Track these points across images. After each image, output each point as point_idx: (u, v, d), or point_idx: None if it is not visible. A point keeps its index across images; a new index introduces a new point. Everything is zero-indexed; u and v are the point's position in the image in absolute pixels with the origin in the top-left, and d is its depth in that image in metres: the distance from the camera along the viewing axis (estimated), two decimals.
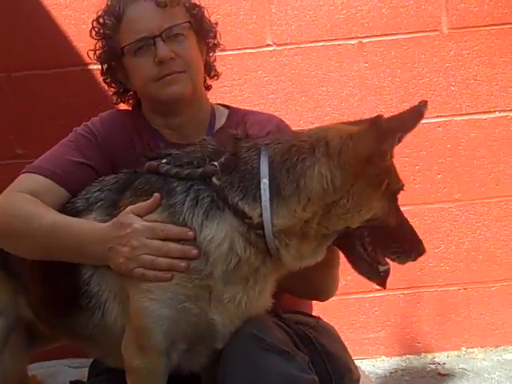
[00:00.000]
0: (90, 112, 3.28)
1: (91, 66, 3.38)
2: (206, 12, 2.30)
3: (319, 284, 2.08)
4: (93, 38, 2.29)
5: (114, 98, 2.39)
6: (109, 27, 2.23)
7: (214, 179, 1.78)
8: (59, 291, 2.04)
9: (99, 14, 2.27)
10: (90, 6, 3.37)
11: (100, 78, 3.31)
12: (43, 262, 2.04)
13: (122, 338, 1.89)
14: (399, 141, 1.74)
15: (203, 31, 2.25)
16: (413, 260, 1.85)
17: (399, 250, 1.82)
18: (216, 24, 2.33)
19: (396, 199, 1.84)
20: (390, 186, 1.78)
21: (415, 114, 1.75)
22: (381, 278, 1.84)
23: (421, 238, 1.88)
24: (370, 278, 1.85)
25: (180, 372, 1.91)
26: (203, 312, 1.78)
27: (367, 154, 1.69)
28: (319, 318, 2.23)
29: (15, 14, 3.42)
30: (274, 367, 1.71)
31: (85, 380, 2.41)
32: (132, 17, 2.18)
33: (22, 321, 2.38)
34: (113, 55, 2.25)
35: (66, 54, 3.43)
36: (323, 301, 2.21)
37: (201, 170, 1.80)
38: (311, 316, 2.22)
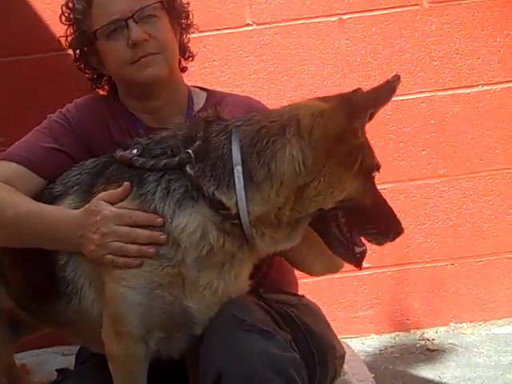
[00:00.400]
0: (70, 98, 3.28)
1: (64, 52, 3.34)
2: None
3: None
4: (63, 23, 2.24)
5: (89, 84, 2.35)
6: (79, 11, 2.18)
7: (188, 168, 1.75)
8: (37, 278, 2.02)
9: None
10: None
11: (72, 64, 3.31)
12: (20, 249, 2.02)
13: (101, 324, 1.88)
14: (371, 117, 1.69)
15: (175, 12, 2.21)
16: (390, 241, 1.80)
17: (376, 231, 1.78)
18: (188, 4, 2.28)
19: (372, 178, 1.79)
20: (364, 164, 1.73)
21: (387, 90, 1.68)
22: (357, 260, 1.80)
23: (399, 218, 1.82)
24: (345, 259, 1.83)
25: (159, 358, 1.91)
26: (177, 300, 1.77)
27: (338, 131, 1.66)
28: (302, 296, 2.21)
29: None
30: (255, 347, 1.70)
31: (71, 368, 2.42)
32: (102, 0, 2.15)
33: (4, 311, 2.37)
34: (85, 40, 2.20)
35: (43, 40, 3.37)
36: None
37: (176, 159, 1.77)
38: (294, 295, 2.19)
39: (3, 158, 2.13)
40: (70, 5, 2.20)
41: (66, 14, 2.22)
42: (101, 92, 2.39)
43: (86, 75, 2.33)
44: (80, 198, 1.93)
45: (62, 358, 3.29)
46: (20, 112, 3.40)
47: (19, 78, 3.42)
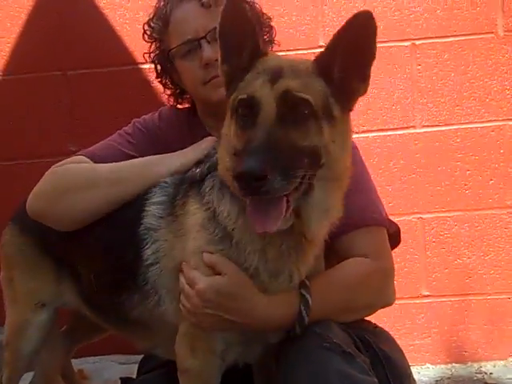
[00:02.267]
0: (141, 110, 3.37)
1: (144, 66, 3.44)
2: (257, 7, 2.28)
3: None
4: (145, 41, 2.33)
5: (172, 99, 2.42)
6: (157, 31, 2.27)
7: None
8: (119, 267, 2.06)
9: (149, 17, 2.30)
10: (144, 6, 3.41)
11: (151, 77, 3.41)
12: (103, 241, 2.09)
13: (171, 331, 1.91)
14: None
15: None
16: (238, 184, 1.57)
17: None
18: (270, 19, 2.29)
19: (239, 117, 1.72)
20: None
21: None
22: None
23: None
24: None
25: (235, 366, 1.94)
26: None
27: None
28: (376, 324, 2.20)
29: (71, 15, 3.53)
30: (336, 367, 1.71)
31: (133, 377, 2.46)
32: (178, 19, 2.21)
33: (66, 311, 2.44)
34: (165, 58, 2.28)
35: (120, 53, 3.50)
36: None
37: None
38: (369, 322, 2.18)
39: (84, 154, 2.23)
40: (151, 24, 2.29)
41: (148, 33, 2.31)
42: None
43: (169, 90, 2.40)
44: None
45: (119, 366, 3.38)
46: (91, 122, 3.54)
47: (92, 90, 3.54)
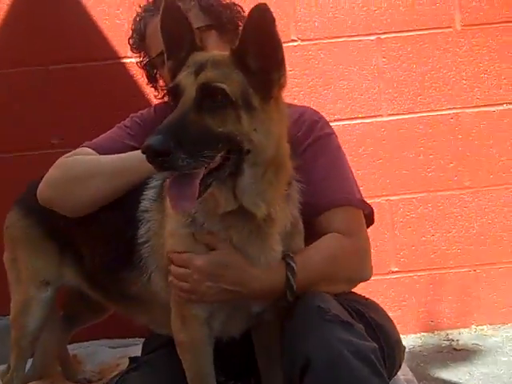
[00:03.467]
0: (122, 103, 3.49)
1: (124, 60, 3.55)
2: (226, 3, 2.44)
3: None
4: (133, 52, 2.55)
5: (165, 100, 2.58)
6: (137, 44, 2.48)
7: None
8: (119, 247, 2.19)
9: (131, 30, 2.50)
10: (123, 1, 3.55)
11: (132, 72, 3.53)
12: (103, 225, 2.23)
13: (163, 306, 2.07)
14: None
15: (225, 25, 2.38)
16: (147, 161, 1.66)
17: None
18: (240, 7, 2.45)
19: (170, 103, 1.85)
20: None
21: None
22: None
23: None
24: None
25: (221, 340, 2.07)
26: None
27: None
28: (366, 297, 2.37)
29: (53, 11, 3.58)
30: (339, 336, 1.83)
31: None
32: (151, 33, 2.40)
33: (66, 291, 2.57)
34: (149, 66, 2.49)
35: (101, 48, 3.58)
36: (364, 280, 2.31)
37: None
38: (359, 295, 2.35)
39: (87, 146, 2.36)
40: (132, 37, 2.49)
41: (132, 45, 2.52)
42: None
43: (161, 93, 2.57)
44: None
45: (110, 350, 3.46)
46: (74, 116, 3.61)
47: (74, 85, 3.61)
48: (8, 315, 2.56)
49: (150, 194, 2.14)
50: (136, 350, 2.70)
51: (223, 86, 1.73)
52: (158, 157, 1.61)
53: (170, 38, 1.89)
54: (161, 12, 1.86)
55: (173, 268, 1.98)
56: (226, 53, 1.85)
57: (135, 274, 2.14)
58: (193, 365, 2.04)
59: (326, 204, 2.18)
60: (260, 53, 1.78)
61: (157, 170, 1.71)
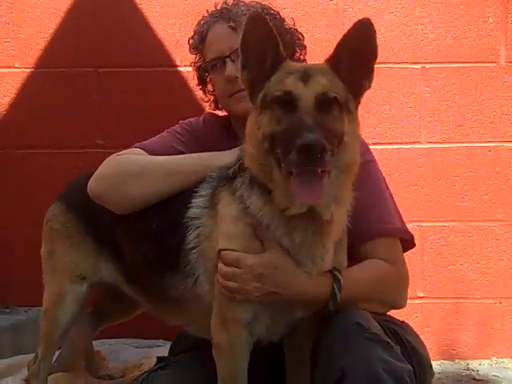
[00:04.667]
0: (168, 111, 3.59)
1: (173, 68, 3.68)
2: (287, 27, 2.50)
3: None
4: (191, 53, 2.60)
5: (213, 105, 2.68)
6: (196, 46, 2.55)
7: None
8: (164, 250, 2.25)
9: (193, 31, 2.57)
10: (177, 12, 3.67)
11: (180, 80, 3.63)
12: (153, 224, 2.28)
13: (204, 310, 2.10)
14: None
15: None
16: (295, 163, 1.78)
17: (282, 155, 1.84)
18: (302, 35, 2.53)
19: (274, 108, 1.91)
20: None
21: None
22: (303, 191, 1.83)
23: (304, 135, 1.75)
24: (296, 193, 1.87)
25: (260, 344, 2.10)
26: None
27: None
28: (402, 320, 2.40)
29: (109, 15, 3.71)
30: (377, 355, 1.87)
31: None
32: (210, 38, 2.47)
33: (95, 288, 2.61)
34: (202, 69, 2.56)
35: (151, 55, 3.71)
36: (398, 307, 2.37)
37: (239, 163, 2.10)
38: (395, 318, 2.39)
39: (138, 147, 2.44)
40: (193, 38, 2.56)
41: (192, 46, 2.58)
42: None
43: (207, 97, 2.66)
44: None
45: (134, 349, 3.52)
46: (118, 118, 3.74)
47: (121, 88, 3.74)
48: (39, 307, 2.62)
49: (199, 201, 2.19)
50: (160, 352, 2.75)
51: (336, 93, 1.88)
52: (318, 152, 1.73)
53: (250, 48, 1.96)
54: (246, 22, 1.93)
55: (221, 266, 2.02)
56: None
57: (179, 277, 2.19)
58: (228, 368, 2.06)
59: (369, 234, 2.23)
60: (355, 62, 1.94)
61: (305, 165, 1.76)
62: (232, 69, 2.36)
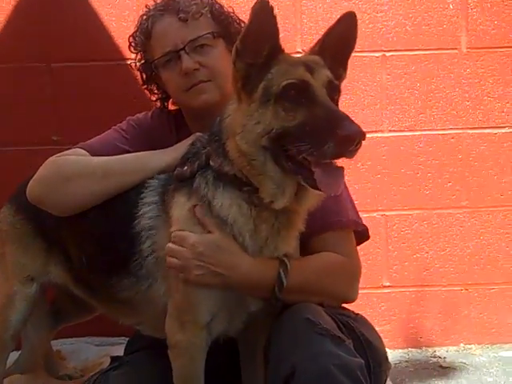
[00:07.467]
0: (122, 104, 3.51)
1: (127, 62, 3.55)
2: (234, 16, 2.47)
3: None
4: (131, 51, 2.53)
5: (158, 103, 2.61)
6: (141, 43, 2.47)
7: (211, 162, 2.04)
8: (111, 254, 2.23)
9: (134, 30, 2.50)
10: (131, 4, 3.58)
11: (135, 74, 3.53)
12: (98, 226, 2.26)
13: (157, 310, 2.10)
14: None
15: (232, 36, 2.38)
16: (332, 155, 1.78)
17: (309, 147, 1.78)
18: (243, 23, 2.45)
19: (283, 100, 1.87)
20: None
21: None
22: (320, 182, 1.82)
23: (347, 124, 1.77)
24: (313, 187, 1.85)
25: (218, 341, 2.10)
26: None
27: None
28: (356, 312, 2.40)
29: (60, 9, 3.60)
30: (327, 349, 1.86)
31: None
32: (158, 33, 2.40)
33: (51, 288, 2.59)
34: (149, 67, 2.48)
35: (104, 49, 3.62)
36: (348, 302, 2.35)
37: (204, 158, 2.07)
38: (349, 310, 2.39)
39: (81, 147, 2.39)
40: (135, 37, 2.48)
41: (133, 44, 2.51)
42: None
43: (154, 96, 2.60)
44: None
45: (95, 348, 3.51)
46: (74, 114, 3.65)
47: (75, 83, 3.64)
48: None
49: (148, 210, 2.16)
50: (121, 349, 2.75)
51: (337, 82, 1.97)
52: (359, 143, 1.76)
53: (251, 36, 1.89)
54: (255, 10, 1.84)
55: (169, 244, 2.04)
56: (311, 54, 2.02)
57: (131, 280, 2.17)
58: (185, 369, 2.07)
59: (319, 227, 2.21)
60: (338, 52, 2.00)
61: (343, 156, 1.78)
62: (189, 61, 2.30)
